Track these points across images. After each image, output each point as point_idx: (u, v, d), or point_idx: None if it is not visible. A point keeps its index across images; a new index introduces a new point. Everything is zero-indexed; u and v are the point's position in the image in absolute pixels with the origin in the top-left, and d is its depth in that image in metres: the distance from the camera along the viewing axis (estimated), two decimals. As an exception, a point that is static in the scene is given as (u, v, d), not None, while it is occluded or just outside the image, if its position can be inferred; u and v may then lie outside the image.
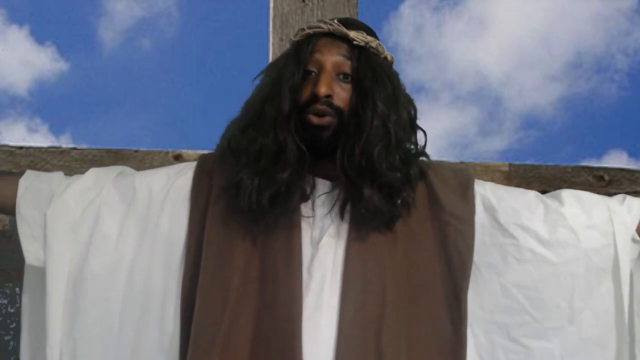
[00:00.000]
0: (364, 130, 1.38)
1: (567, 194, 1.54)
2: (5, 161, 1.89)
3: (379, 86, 1.42)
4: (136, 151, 1.95)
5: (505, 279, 1.45)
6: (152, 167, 1.83)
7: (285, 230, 1.38)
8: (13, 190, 1.47)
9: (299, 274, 1.35)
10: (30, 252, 1.45)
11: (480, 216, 1.47)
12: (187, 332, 1.36)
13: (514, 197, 1.50)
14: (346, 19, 1.52)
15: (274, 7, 2.07)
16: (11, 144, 1.91)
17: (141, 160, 1.93)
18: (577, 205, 1.51)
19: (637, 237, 1.51)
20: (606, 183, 2.05)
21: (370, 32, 1.48)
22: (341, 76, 1.43)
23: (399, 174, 1.40)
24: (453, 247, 1.43)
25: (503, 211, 1.47)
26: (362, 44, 1.45)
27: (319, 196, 1.43)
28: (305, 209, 1.41)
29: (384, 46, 1.50)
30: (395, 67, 1.52)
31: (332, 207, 1.41)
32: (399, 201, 1.40)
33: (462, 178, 1.50)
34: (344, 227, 1.40)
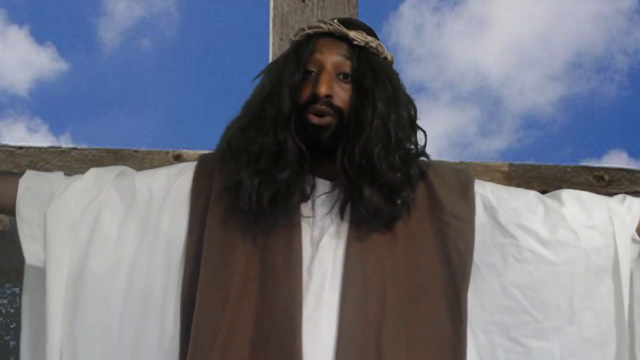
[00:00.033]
0: (364, 130, 1.38)
1: (567, 194, 1.53)
2: (5, 161, 1.89)
3: (379, 86, 1.42)
4: (136, 151, 1.95)
5: (505, 279, 1.45)
6: (152, 167, 1.83)
7: (286, 230, 1.38)
8: (13, 190, 1.47)
9: (299, 274, 1.35)
10: (30, 252, 1.44)
11: (480, 216, 1.47)
12: (187, 332, 1.36)
13: (514, 197, 1.50)
14: (346, 19, 1.51)
15: (274, 7, 2.07)
16: (11, 144, 1.91)
17: (141, 160, 1.93)
18: (577, 205, 1.51)
19: (637, 237, 1.51)
20: (606, 183, 2.05)
21: (370, 32, 1.48)
22: (341, 76, 1.42)
23: (399, 174, 1.40)
24: (453, 247, 1.43)
25: (503, 211, 1.47)
26: (362, 44, 1.45)
27: (319, 196, 1.42)
28: (305, 209, 1.41)
29: (384, 46, 1.49)
30: (395, 67, 1.52)
31: (332, 207, 1.41)
32: (399, 201, 1.40)
33: (462, 178, 1.50)
34: (344, 227, 1.40)
